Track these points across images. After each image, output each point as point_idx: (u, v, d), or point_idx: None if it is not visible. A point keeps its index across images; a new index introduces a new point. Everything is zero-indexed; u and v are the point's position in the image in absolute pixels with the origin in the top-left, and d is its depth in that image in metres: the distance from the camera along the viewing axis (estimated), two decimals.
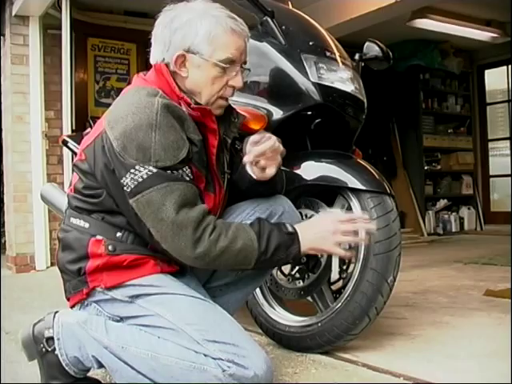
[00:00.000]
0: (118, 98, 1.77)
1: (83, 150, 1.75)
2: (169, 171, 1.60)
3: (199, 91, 1.75)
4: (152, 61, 1.79)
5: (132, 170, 1.58)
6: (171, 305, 1.66)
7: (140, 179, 1.58)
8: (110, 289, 1.69)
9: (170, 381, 1.58)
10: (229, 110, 1.90)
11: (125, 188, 1.60)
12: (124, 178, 1.60)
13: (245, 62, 1.80)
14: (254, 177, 1.84)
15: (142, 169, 1.58)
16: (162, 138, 1.59)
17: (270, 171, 1.82)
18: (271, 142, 1.75)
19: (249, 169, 1.83)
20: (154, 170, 1.58)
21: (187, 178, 1.64)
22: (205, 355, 1.57)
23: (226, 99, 1.81)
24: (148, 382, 1.60)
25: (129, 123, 1.60)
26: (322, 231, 1.72)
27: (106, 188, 1.68)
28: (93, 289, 1.70)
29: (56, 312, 1.76)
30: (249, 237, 1.64)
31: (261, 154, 1.75)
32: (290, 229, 1.71)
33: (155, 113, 1.60)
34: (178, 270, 1.78)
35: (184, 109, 1.70)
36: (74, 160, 1.82)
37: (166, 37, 1.73)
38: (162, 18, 1.76)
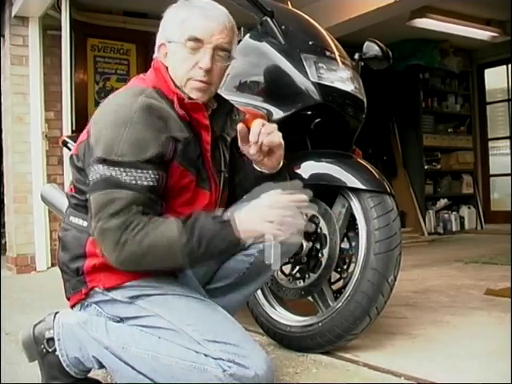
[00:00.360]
0: (109, 96, 1.78)
1: (77, 146, 1.76)
2: (129, 168, 1.57)
3: (176, 76, 1.75)
4: (154, 56, 1.83)
5: (91, 168, 1.60)
6: (171, 305, 1.66)
7: (95, 179, 1.59)
8: (109, 289, 1.69)
9: (170, 381, 1.58)
10: (230, 107, 1.90)
11: (87, 181, 1.64)
12: (88, 172, 1.63)
13: (226, 51, 1.76)
14: (262, 170, 1.85)
15: (98, 169, 1.58)
16: (133, 135, 1.58)
17: (277, 155, 1.82)
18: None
19: (253, 152, 1.78)
20: (108, 174, 1.57)
21: (143, 182, 1.57)
22: (205, 355, 1.56)
23: (200, 81, 1.74)
24: (148, 382, 1.60)
25: (107, 120, 1.63)
26: (256, 210, 1.56)
27: None
28: (91, 289, 1.70)
29: (56, 313, 1.76)
30: (176, 231, 1.54)
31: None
32: (224, 217, 1.58)
33: (133, 111, 1.60)
34: (178, 270, 1.79)
35: (176, 105, 1.69)
36: (70, 154, 1.83)
37: (158, 34, 1.79)
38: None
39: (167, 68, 1.77)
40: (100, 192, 1.57)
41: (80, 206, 1.75)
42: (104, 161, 1.57)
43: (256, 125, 1.75)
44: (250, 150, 1.77)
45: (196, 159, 1.74)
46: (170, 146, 1.64)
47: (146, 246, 1.53)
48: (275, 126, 1.80)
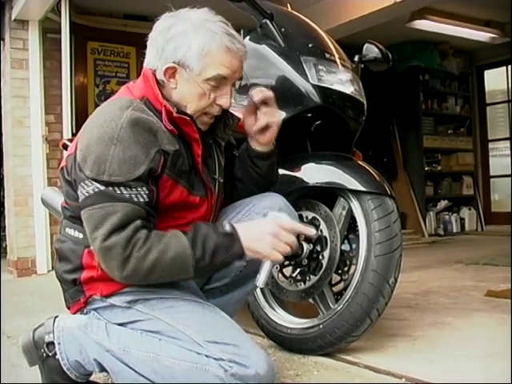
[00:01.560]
0: (97, 108, 1.76)
1: (66, 158, 1.74)
2: (121, 187, 1.56)
3: (185, 105, 1.71)
4: (145, 64, 1.76)
5: (82, 184, 1.58)
6: (170, 308, 1.66)
7: (87, 194, 1.57)
8: (107, 296, 1.69)
9: (171, 382, 1.58)
10: (223, 112, 1.86)
11: (78, 198, 1.61)
12: (78, 189, 1.60)
13: (241, 78, 1.80)
14: (258, 149, 1.92)
15: (89, 184, 1.56)
16: (120, 153, 1.56)
17: (274, 120, 1.89)
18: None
19: (253, 139, 1.91)
20: (102, 188, 1.55)
21: (138, 199, 1.57)
22: (206, 356, 1.57)
23: (212, 116, 1.77)
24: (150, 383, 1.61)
25: (93, 135, 1.60)
26: (260, 231, 1.64)
27: None
28: (90, 297, 1.71)
29: (56, 317, 1.76)
30: (181, 244, 1.57)
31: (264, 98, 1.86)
32: (227, 229, 1.63)
33: (120, 127, 1.57)
34: None
35: (164, 117, 1.66)
36: (60, 166, 1.81)
37: (160, 44, 1.69)
38: (160, 23, 1.72)
39: (157, 80, 1.71)
40: (95, 206, 1.55)
41: (74, 217, 1.74)
42: (94, 180, 1.56)
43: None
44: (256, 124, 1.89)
45: (187, 171, 1.72)
46: (160, 159, 1.62)
47: (151, 260, 1.54)
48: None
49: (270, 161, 1.98)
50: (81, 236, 1.71)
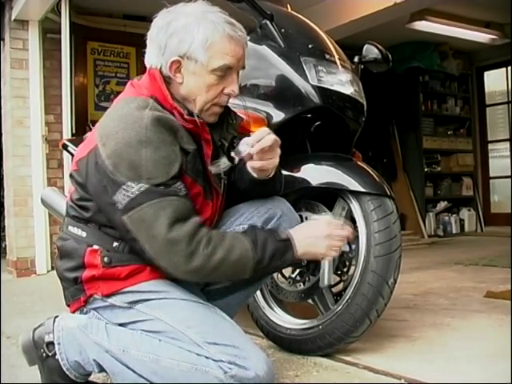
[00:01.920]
0: (108, 110, 1.74)
1: (77, 162, 1.73)
2: (161, 187, 1.58)
3: (194, 98, 1.72)
4: (146, 63, 1.76)
5: (124, 187, 1.57)
6: (171, 309, 1.66)
7: (132, 195, 1.56)
8: (108, 296, 1.69)
9: (171, 383, 1.58)
10: (226, 111, 1.87)
11: (117, 205, 1.58)
12: (117, 195, 1.58)
13: (243, 67, 1.79)
14: (255, 175, 1.82)
15: (133, 185, 1.56)
16: (153, 154, 1.57)
17: (270, 166, 1.78)
18: (270, 138, 1.71)
19: (249, 167, 1.80)
20: (147, 186, 1.56)
21: (180, 193, 1.61)
22: (206, 357, 1.57)
23: (221, 106, 1.78)
24: None
25: (119, 140, 1.58)
26: (315, 236, 1.74)
27: (97, 203, 1.67)
28: (90, 296, 1.70)
29: (56, 317, 1.76)
30: (244, 247, 1.63)
31: (260, 149, 1.71)
32: (283, 236, 1.71)
33: (145, 128, 1.57)
34: None
35: (177, 118, 1.68)
36: (70, 169, 1.80)
37: (162, 40, 1.69)
38: (158, 20, 1.72)
39: (165, 78, 1.72)
40: (143, 205, 1.56)
41: (78, 217, 1.74)
42: (133, 187, 1.57)
43: (259, 133, 1.73)
44: (248, 168, 1.80)
45: (201, 171, 1.75)
46: (182, 157, 1.64)
47: (218, 260, 1.59)
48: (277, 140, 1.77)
49: (271, 185, 1.92)
50: (84, 234, 1.71)
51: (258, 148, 1.69)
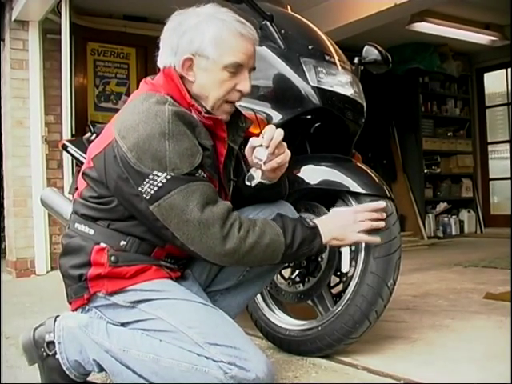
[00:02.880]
0: (125, 105, 1.76)
1: (92, 159, 1.74)
2: (187, 176, 1.60)
3: (206, 95, 1.74)
4: (160, 64, 1.79)
5: (150, 177, 1.58)
6: (173, 309, 1.66)
7: (160, 184, 1.58)
8: (111, 294, 1.69)
9: (170, 383, 1.58)
10: (237, 114, 1.89)
11: (144, 195, 1.59)
12: (142, 186, 1.59)
13: (253, 68, 1.80)
14: (262, 181, 1.84)
15: (160, 173, 1.58)
16: (176, 146, 1.59)
17: (287, 159, 1.81)
18: (279, 131, 1.74)
19: (257, 174, 1.81)
20: (172, 174, 1.58)
21: (205, 181, 1.65)
22: (206, 358, 1.57)
23: (233, 104, 1.80)
24: None
25: (141, 133, 1.60)
26: (343, 222, 1.84)
27: (118, 197, 1.68)
28: (93, 294, 1.70)
29: (57, 316, 1.76)
30: (275, 231, 1.68)
31: (275, 146, 1.74)
32: (311, 223, 1.78)
33: (167, 121, 1.59)
34: (180, 275, 1.79)
35: (195, 115, 1.70)
36: (83, 168, 1.81)
37: (174, 41, 1.72)
38: (170, 23, 1.76)
39: (182, 78, 1.74)
40: (172, 192, 1.58)
41: (87, 214, 1.74)
42: (160, 173, 1.59)
43: (269, 131, 1.75)
44: (254, 175, 1.81)
45: (216, 168, 1.76)
46: (202, 151, 1.66)
47: (251, 243, 1.63)
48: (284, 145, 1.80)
49: (276, 190, 1.95)
50: (91, 232, 1.72)
51: (273, 146, 1.73)
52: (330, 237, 1.81)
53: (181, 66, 1.72)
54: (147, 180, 1.59)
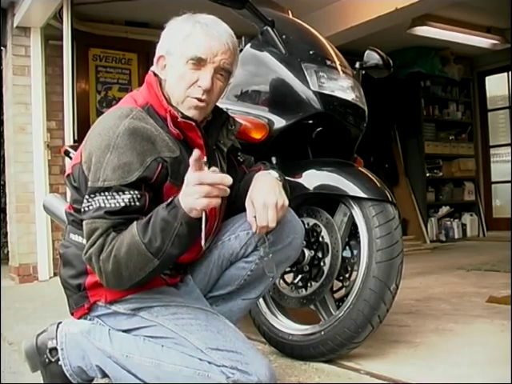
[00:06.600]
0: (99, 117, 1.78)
1: (72, 166, 1.75)
2: (113, 192, 1.56)
3: (172, 92, 1.74)
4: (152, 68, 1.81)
5: (86, 197, 1.61)
6: (174, 315, 1.66)
7: (86, 208, 1.60)
8: (111, 302, 1.69)
9: None
10: (225, 117, 1.89)
11: (83, 206, 1.63)
12: (86, 197, 1.62)
13: (228, 72, 1.76)
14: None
15: (87, 196, 1.60)
16: (115, 159, 1.58)
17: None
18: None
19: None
20: (93, 202, 1.58)
21: (130, 203, 1.57)
22: (209, 362, 1.57)
23: (199, 100, 1.73)
24: None
25: (93, 145, 1.63)
26: (189, 187, 1.50)
27: None
28: (94, 303, 1.71)
29: (59, 322, 1.77)
30: (131, 234, 1.53)
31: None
32: (169, 200, 1.55)
33: (116, 135, 1.59)
34: (178, 281, 1.79)
35: (170, 123, 1.68)
36: (66, 173, 1.83)
37: (158, 46, 1.77)
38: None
39: (160, 82, 1.76)
40: (86, 221, 1.59)
41: (77, 223, 1.74)
42: (91, 188, 1.59)
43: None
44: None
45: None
46: (158, 167, 1.62)
47: (116, 258, 1.53)
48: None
49: None
50: (84, 241, 1.72)
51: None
52: (184, 204, 1.50)
53: (156, 64, 1.76)
54: (85, 198, 1.61)
